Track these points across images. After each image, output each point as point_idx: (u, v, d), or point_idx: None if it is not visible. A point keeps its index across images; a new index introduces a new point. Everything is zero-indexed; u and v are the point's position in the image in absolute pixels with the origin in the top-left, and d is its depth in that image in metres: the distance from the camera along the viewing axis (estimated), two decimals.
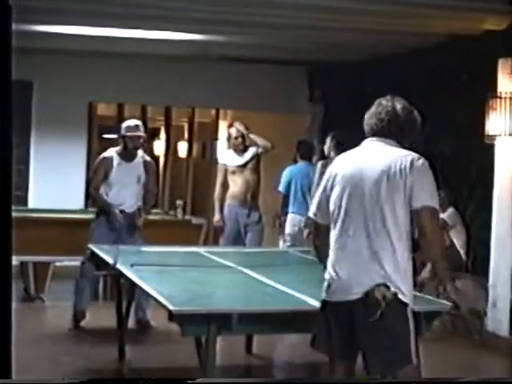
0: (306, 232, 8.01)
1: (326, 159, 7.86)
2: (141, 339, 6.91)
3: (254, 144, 8.62)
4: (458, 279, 7.64)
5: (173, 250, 6.57)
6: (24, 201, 10.04)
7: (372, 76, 9.45)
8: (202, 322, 4.01)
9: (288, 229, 8.86)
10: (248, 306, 4.40)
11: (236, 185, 8.55)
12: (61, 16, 7.53)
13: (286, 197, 8.92)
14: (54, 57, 9.98)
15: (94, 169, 7.55)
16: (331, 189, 3.74)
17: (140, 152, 7.37)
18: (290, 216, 8.89)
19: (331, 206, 3.73)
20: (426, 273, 8.04)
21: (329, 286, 3.68)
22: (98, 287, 8.66)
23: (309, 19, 7.35)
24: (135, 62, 10.28)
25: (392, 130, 3.71)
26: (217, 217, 8.59)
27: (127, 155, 7.28)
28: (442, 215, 8.00)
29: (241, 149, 8.55)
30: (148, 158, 7.49)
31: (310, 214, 3.90)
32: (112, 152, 7.33)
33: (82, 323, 7.29)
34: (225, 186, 8.64)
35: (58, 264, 8.58)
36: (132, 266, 5.32)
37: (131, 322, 6.84)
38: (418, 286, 8.00)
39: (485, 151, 7.25)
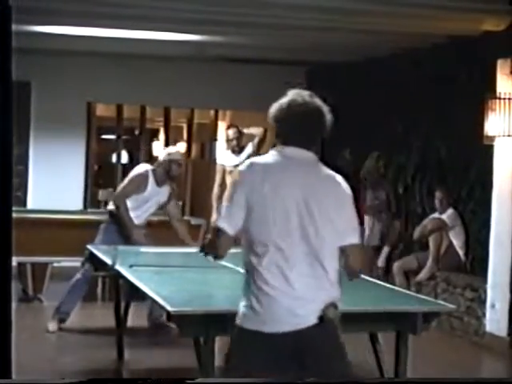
0: None
1: None
2: (141, 340, 6.91)
3: (252, 138, 8.80)
4: (456, 279, 7.65)
5: (171, 250, 6.56)
6: (23, 201, 10.04)
7: (371, 77, 9.45)
8: (200, 323, 4.02)
9: None
10: None
11: None
12: (59, 17, 7.52)
13: None
14: (53, 57, 9.98)
15: (135, 180, 7.04)
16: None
17: None
18: None
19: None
20: (423, 273, 8.07)
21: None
22: (96, 288, 8.66)
23: (307, 20, 7.34)
24: (134, 62, 10.27)
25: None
26: (215, 217, 8.56)
27: (163, 180, 7.03)
28: (442, 216, 8.02)
29: (237, 149, 8.83)
30: (174, 186, 7.30)
31: None
32: (149, 170, 7.05)
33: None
34: (223, 186, 8.65)
35: (56, 265, 8.57)
36: (131, 266, 5.33)
37: (139, 323, 6.84)
38: (415, 286, 8.02)
39: (484, 152, 7.25)
